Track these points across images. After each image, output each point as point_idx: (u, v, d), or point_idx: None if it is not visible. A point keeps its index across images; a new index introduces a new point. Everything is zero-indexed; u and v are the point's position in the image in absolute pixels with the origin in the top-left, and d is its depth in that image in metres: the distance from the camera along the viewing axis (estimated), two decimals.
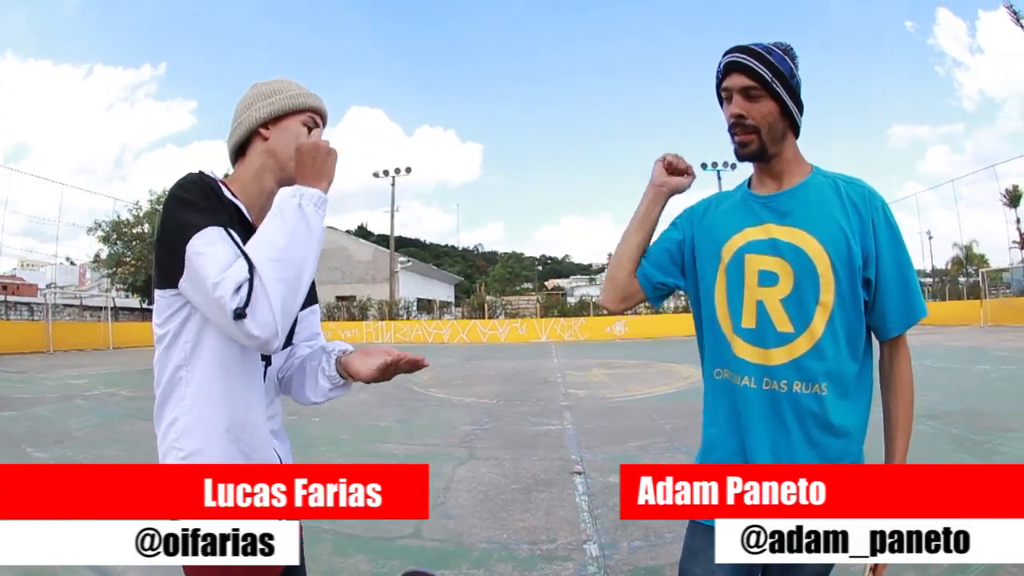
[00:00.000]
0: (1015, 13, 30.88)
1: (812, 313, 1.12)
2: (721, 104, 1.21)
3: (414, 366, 1.10)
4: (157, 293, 1.05)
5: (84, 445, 5.40)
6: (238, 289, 0.92)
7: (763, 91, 1.14)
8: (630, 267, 1.30)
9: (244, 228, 1.08)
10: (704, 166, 35.98)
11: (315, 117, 1.19)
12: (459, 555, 2.86)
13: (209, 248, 0.95)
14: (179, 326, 1.03)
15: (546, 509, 3.48)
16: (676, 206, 1.36)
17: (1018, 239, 31.22)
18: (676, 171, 1.30)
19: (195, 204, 1.00)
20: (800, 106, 1.18)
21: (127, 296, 29.38)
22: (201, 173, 1.08)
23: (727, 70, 1.17)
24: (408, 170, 34.62)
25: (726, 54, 1.18)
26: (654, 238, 1.33)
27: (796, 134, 1.20)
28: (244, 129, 1.16)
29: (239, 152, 1.19)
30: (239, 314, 0.90)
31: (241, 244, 0.98)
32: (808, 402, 1.12)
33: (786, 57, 1.16)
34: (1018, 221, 31.49)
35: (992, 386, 7.23)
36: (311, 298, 1.26)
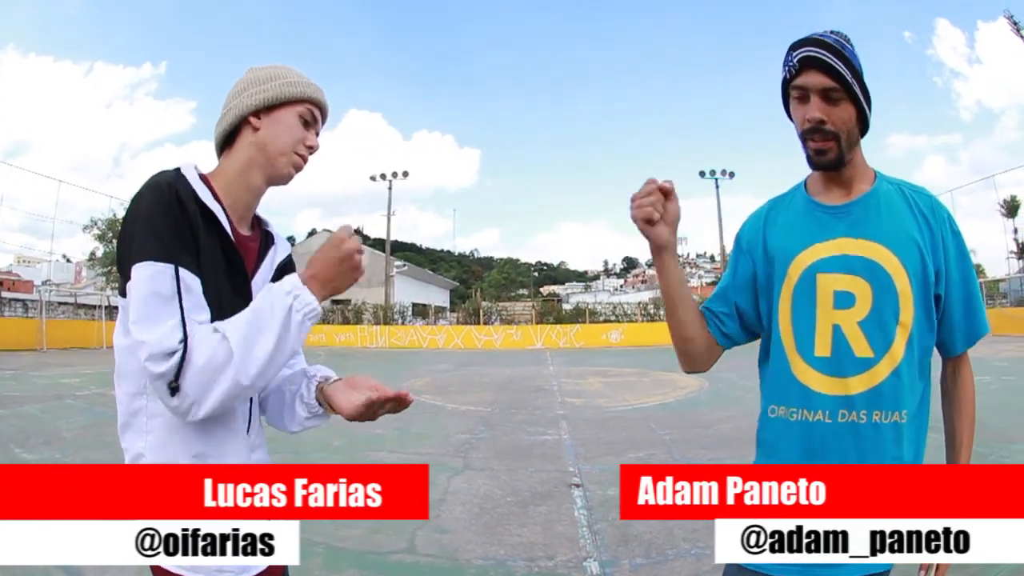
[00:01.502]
0: (1015, 23, 31.18)
1: (893, 335, 1.04)
2: (786, 103, 1.09)
3: (400, 404, 1.02)
4: (120, 301, 0.96)
5: (73, 447, 5.33)
6: (166, 355, 0.86)
7: (844, 93, 1.02)
8: (702, 332, 1.17)
9: (220, 237, 0.98)
10: (702, 174, 35.88)
11: (313, 111, 1.08)
12: (454, 572, 2.80)
13: (146, 296, 0.88)
14: None
15: (544, 523, 3.40)
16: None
17: (1015, 249, 31.39)
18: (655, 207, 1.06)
19: (152, 220, 0.90)
20: (871, 104, 1.07)
21: None
22: (177, 173, 0.96)
23: (802, 66, 1.03)
24: (405, 174, 34.81)
25: (799, 47, 1.04)
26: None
27: (863, 135, 1.10)
28: (233, 116, 1.04)
29: (227, 142, 1.07)
30: (173, 387, 0.87)
31: (182, 297, 0.89)
32: (888, 431, 1.04)
33: (855, 50, 1.05)
34: (1015, 231, 31.71)
35: (993, 397, 7.21)
36: None
